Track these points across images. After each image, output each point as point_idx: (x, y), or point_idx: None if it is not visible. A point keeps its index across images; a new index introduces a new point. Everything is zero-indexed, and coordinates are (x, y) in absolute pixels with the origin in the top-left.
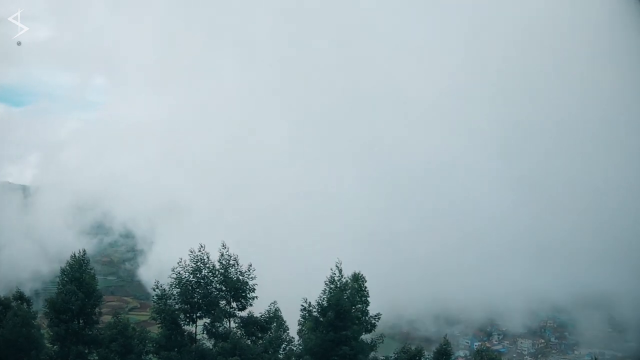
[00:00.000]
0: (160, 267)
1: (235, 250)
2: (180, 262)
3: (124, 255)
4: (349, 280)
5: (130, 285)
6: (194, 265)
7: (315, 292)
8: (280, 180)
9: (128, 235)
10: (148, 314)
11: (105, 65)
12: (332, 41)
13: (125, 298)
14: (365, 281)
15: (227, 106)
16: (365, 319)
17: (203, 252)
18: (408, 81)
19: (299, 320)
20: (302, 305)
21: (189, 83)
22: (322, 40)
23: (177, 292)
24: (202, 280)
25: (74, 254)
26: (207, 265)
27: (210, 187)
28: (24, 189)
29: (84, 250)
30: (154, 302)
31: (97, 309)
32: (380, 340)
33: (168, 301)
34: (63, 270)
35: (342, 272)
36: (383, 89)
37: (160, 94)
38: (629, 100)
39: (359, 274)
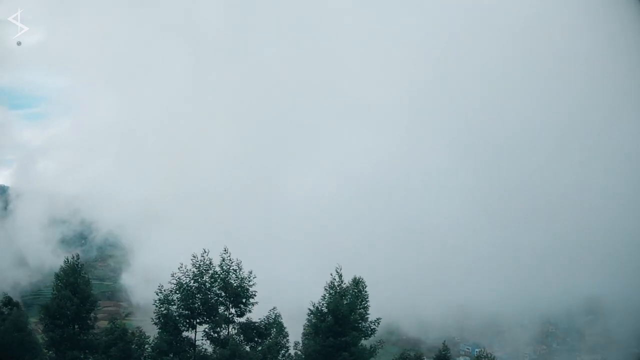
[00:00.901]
0: (145, 272)
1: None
2: (181, 267)
3: (114, 260)
4: (350, 285)
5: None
6: (196, 270)
7: (300, 298)
8: (247, 184)
9: (114, 240)
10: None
11: (93, 69)
12: (290, 39)
13: (122, 303)
14: (366, 286)
15: (189, 110)
16: (365, 324)
17: (206, 257)
18: (372, 85)
19: (304, 327)
20: (310, 310)
21: (167, 85)
22: (278, 39)
23: (177, 298)
24: (203, 286)
25: (68, 259)
26: (209, 271)
27: (191, 190)
28: (6, 191)
29: (78, 255)
30: (155, 306)
31: (92, 314)
32: (380, 346)
33: (170, 306)
34: (57, 276)
35: (342, 278)
36: (343, 90)
37: (130, 97)
38: (615, 103)
39: (359, 278)
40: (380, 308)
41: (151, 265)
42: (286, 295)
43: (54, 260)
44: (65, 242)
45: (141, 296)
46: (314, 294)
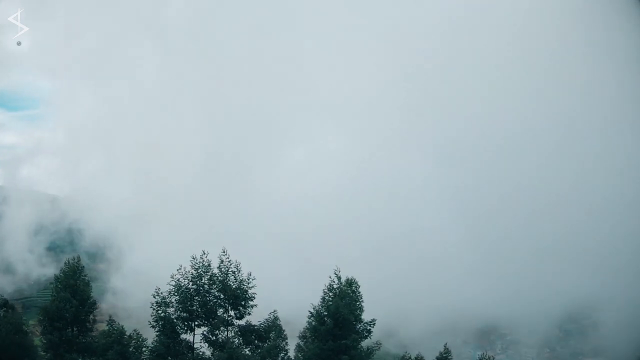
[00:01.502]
0: (136, 275)
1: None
2: (180, 269)
3: (104, 263)
4: (344, 286)
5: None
6: (195, 272)
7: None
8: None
9: (103, 243)
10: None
11: (76, 70)
12: (253, 37)
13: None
14: (359, 286)
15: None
16: (360, 325)
17: (205, 259)
18: (354, 83)
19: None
20: (310, 312)
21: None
22: (242, 36)
23: (175, 300)
24: (202, 288)
25: (68, 261)
26: (208, 273)
27: (179, 191)
28: None
29: (79, 257)
30: (153, 309)
31: (91, 317)
32: (377, 348)
33: (167, 309)
34: (57, 278)
35: (341, 280)
36: (310, 90)
37: (114, 97)
38: (615, 103)
39: (352, 279)
40: (378, 311)
41: (142, 267)
42: (274, 298)
43: (41, 265)
44: (52, 247)
45: (131, 299)
46: (300, 299)
